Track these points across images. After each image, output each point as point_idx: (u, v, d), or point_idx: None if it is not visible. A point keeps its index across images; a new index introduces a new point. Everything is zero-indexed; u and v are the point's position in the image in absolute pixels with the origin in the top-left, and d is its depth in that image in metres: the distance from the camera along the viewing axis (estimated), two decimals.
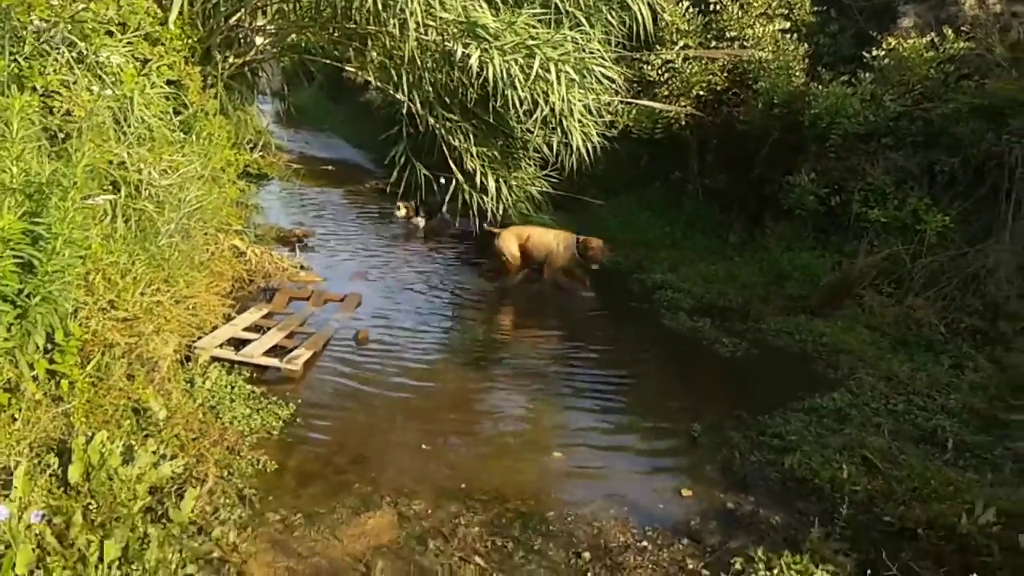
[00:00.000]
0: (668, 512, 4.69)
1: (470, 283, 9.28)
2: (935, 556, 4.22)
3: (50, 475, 3.71)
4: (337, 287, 8.42)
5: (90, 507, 3.66)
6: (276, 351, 6.40)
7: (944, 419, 5.83)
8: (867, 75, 9.22)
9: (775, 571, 3.80)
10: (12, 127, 4.15)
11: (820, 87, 9.31)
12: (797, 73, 9.78)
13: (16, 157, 4.12)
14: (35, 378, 4.10)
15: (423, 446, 5.24)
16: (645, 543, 4.31)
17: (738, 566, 3.88)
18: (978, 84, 8.57)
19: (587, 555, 4.15)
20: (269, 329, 6.76)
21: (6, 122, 4.54)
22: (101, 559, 3.36)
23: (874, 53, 9.30)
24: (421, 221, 11.81)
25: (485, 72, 7.86)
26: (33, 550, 3.28)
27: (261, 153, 10.61)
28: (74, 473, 3.74)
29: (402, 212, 11.86)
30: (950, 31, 8.96)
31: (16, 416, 3.92)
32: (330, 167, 15.23)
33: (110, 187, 5.96)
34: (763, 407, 6.04)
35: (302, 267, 8.82)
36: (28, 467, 3.62)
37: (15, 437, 3.80)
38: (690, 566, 4.11)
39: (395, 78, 8.95)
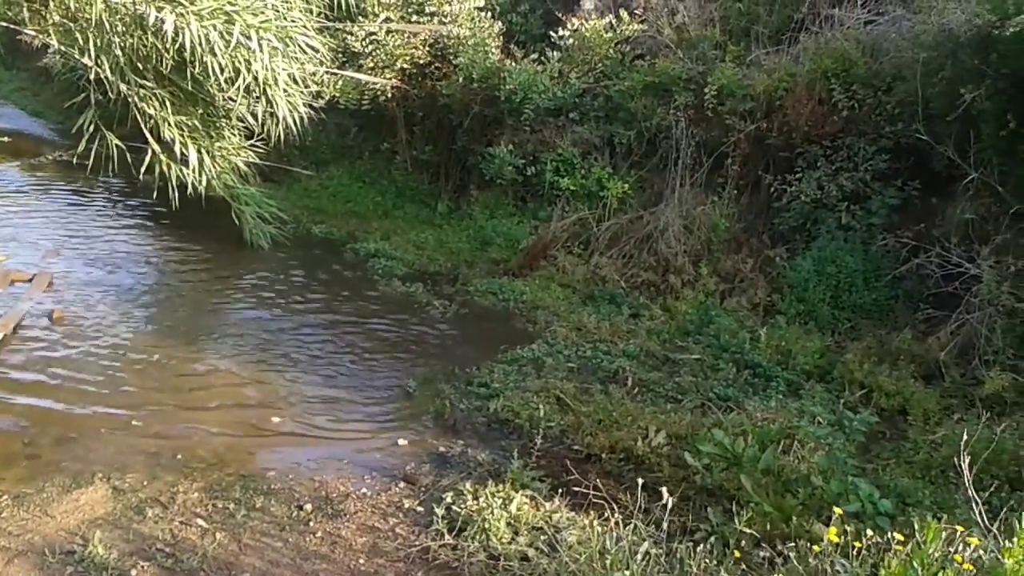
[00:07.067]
0: (386, 461, 4.98)
1: (178, 254, 8.92)
2: (616, 475, 4.91)
3: None
4: (25, 265, 7.76)
5: None
6: None
7: (624, 360, 6.65)
8: (555, 54, 10.02)
9: (481, 500, 4.21)
10: None
11: (514, 64, 9.97)
12: (493, 50, 10.37)
13: None
14: None
15: (133, 422, 5.10)
16: (364, 490, 4.58)
17: (449, 499, 4.26)
18: (650, 63, 9.60)
19: (309, 507, 4.33)
20: None
21: None
22: None
23: (560, 33, 10.10)
24: None
25: (181, 38, 7.54)
26: None
27: None
28: None
29: None
30: (626, 14, 9.97)
31: None
32: (6, 138, 13.75)
33: None
34: (471, 360, 6.55)
35: None
36: None
37: None
38: (406, 505, 4.44)
39: (80, 42, 8.28)
